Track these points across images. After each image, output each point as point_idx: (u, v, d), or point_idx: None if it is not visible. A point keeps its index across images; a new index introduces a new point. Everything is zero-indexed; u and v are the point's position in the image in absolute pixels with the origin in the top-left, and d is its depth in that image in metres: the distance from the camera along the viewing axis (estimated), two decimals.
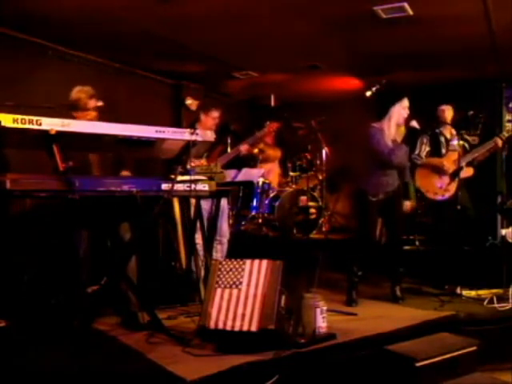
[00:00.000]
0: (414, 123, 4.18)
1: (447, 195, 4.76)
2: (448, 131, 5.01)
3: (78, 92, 3.84)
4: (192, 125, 4.64)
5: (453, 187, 4.73)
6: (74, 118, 3.67)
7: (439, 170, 4.85)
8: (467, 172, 4.84)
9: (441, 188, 4.82)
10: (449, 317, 3.82)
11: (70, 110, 3.69)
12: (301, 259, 4.92)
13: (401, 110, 4.17)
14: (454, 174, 4.77)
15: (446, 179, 4.77)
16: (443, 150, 4.91)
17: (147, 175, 3.29)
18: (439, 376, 3.03)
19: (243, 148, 4.88)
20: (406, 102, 4.19)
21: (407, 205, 4.39)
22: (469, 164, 4.86)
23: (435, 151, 4.97)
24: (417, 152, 4.99)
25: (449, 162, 4.79)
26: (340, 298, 4.29)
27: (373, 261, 4.48)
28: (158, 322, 3.38)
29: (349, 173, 7.92)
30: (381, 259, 4.51)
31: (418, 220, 6.13)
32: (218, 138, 5.00)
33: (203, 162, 4.52)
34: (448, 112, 5.06)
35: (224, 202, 4.55)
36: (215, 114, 4.73)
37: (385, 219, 4.44)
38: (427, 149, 4.99)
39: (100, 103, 3.81)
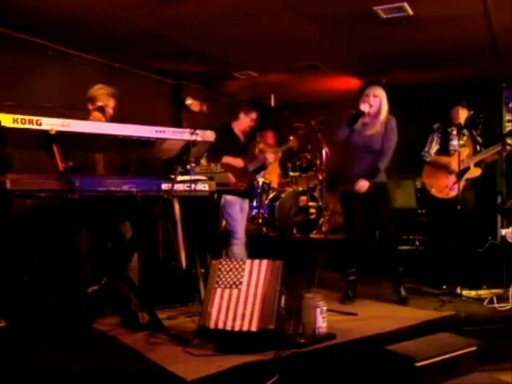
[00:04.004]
0: (362, 106, 4.19)
1: (452, 194, 4.75)
2: (460, 133, 5.01)
3: (99, 89, 3.86)
4: (226, 126, 4.88)
5: (459, 187, 4.72)
6: (88, 114, 3.67)
7: (446, 169, 4.85)
8: (474, 172, 4.83)
9: (446, 187, 4.83)
10: (449, 317, 3.83)
11: (85, 106, 3.69)
12: (301, 259, 4.93)
13: (363, 97, 4.24)
14: (461, 174, 4.77)
15: (453, 178, 4.76)
16: (451, 151, 4.91)
17: (147, 175, 3.29)
18: (439, 376, 3.03)
19: (270, 158, 5.16)
20: (366, 91, 4.25)
21: (362, 185, 4.16)
22: (477, 165, 4.85)
23: (445, 150, 4.97)
24: (426, 149, 5.02)
25: (456, 162, 4.77)
26: (340, 297, 4.29)
27: (366, 260, 4.50)
28: (158, 322, 3.38)
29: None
30: (377, 259, 4.51)
31: (419, 220, 6.15)
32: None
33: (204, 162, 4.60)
34: (462, 113, 5.03)
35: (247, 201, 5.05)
36: (254, 115, 4.91)
37: (373, 218, 4.40)
38: (437, 147, 5.00)
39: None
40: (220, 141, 4.67)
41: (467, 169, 4.80)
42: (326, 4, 4.54)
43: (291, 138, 5.41)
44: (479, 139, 4.99)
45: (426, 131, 5.13)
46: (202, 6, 4.54)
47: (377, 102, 4.21)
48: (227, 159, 4.68)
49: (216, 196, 4.69)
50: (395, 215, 4.46)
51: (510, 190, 5.97)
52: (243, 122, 4.90)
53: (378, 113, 4.23)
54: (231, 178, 4.63)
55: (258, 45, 5.71)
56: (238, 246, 4.78)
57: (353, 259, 4.39)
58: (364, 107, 4.19)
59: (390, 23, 4.91)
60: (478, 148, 4.95)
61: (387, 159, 4.24)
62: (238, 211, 4.82)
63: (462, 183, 4.76)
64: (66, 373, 2.63)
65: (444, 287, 4.72)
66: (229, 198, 4.77)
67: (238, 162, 4.79)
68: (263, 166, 5.28)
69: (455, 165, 4.78)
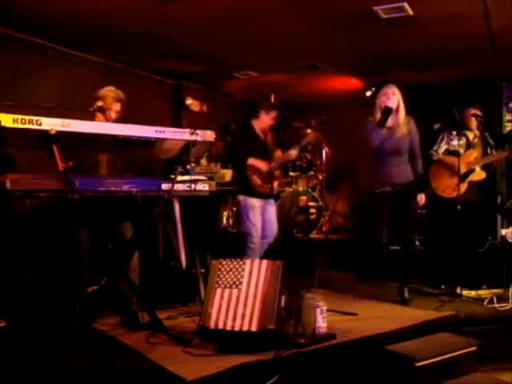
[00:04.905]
0: (389, 103, 4.20)
1: (453, 194, 4.76)
2: (472, 133, 5.02)
3: (108, 91, 3.86)
4: (247, 125, 4.75)
5: (461, 188, 4.72)
6: (92, 114, 3.68)
7: (451, 169, 4.85)
8: (479, 175, 4.85)
9: (449, 187, 4.84)
10: (449, 317, 3.83)
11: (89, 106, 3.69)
12: (301, 259, 4.93)
13: (381, 96, 4.28)
14: (464, 176, 4.78)
15: (456, 179, 4.76)
16: (461, 150, 4.91)
17: (147, 175, 3.29)
18: (439, 376, 3.03)
19: (293, 154, 4.91)
20: (384, 89, 4.28)
21: (421, 198, 4.38)
22: (485, 168, 4.86)
23: (454, 150, 4.98)
24: (435, 148, 5.04)
25: (462, 163, 4.76)
26: (340, 297, 4.30)
27: (375, 260, 4.50)
28: (158, 322, 3.38)
29: (349, 172, 7.96)
30: (387, 260, 4.51)
31: (419, 220, 6.14)
32: (219, 137, 5.06)
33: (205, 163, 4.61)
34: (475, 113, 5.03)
35: (272, 201, 4.85)
36: (274, 114, 4.78)
37: (396, 217, 4.42)
38: (446, 146, 5.01)
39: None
40: (242, 141, 4.71)
41: (472, 171, 4.81)
42: (326, 4, 4.54)
43: (309, 131, 5.27)
44: (491, 141, 5.00)
45: (426, 131, 5.13)
46: (202, 6, 4.54)
47: (395, 99, 4.24)
48: (253, 161, 4.60)
49: (238, 197, 4.68)
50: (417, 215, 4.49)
51: (509, 190, 5.98)
52: (264, 121, 4.74)
53: (397, 111, 4.25)
54: (256, 180, 4.61)
55: (258, 45, 5.70)
56: (254, 251, 4.59)
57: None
58: (391, 103, 4.20)
59: (390, 23, 4.91)
60: (489, 151, 4.96)
61: (421, 160, 4.40)
62: (258, 215, 4.61)
63: (466, 184, 4.77)
64: (66, 373, 2.63)
65: (442, 287, 4.73)
66: (250, 200, 4.60)
67: (262, 165, 4.66)
68: (286, 163, 5.16)
69: (460, 166, 4.79)
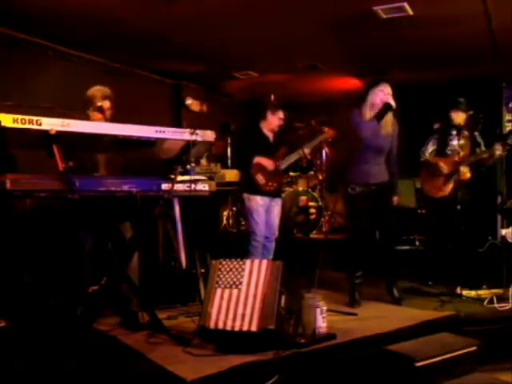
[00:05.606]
0: (390, 100, 4.13)
1: (441, 194, 4.82)
2: (460, 134, 5.02)
3: (95, 91, 3.87)
4: (254, 127, 4.78)
5: (448, 187, 4.77)
6: (87, 115, 3.67)
7: (436, 170, 4.90)
8: (463, 175, 4.84)
9: (435, 187, 4.91)
10: (449, 317, 3.82)
11: (84, 107, 3.69)
12: (301, 259, 4.93)
13: (377, 92, 4.19)
14: (449, 175, 4.80)
15: (442, 179, 4.80)
16: (448, 151, 4.93)
17: (147, 175, 3.29)
18: (439, 376, 3.03)
19: (306, 152, 4.90)
20: (381, 86, 4.19)
21: (394, 199, 4.32)
22: (471, 167, 4.86)
23: (442, 151, 5.00)
24: (423, 149, 5.07)
25: (447, 163, 4.80)
26: (341, 297, 4.28)
27: (370, 260, 4.48)
28: (158, 322, 3.38)
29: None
30: (377, 259, 4.51)
31: (419, 220, 6.15)
32: (219, 137, 5.06)
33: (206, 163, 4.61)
34: (457, 115, 5.02)
35: (278, 201, 4.86)
36: (281, 114, 4.82)
37: (376, 218, 4.40)
38: (433, 147, 5.03)
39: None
40: (248, 142, 4.75)
41: (456, 171, 4.81)
42: (326, 4, 4.55)
43: (326, 129, 5.24)
44: (480, 141, 5.00)
45: (426, 131, 5.14)
46: (202, 6, 4.55)
47: (391, 98, 4.19)
48: (259, 159, 4.64)
49: (243, 195, 4.70)
50: (397, 214, 4.46)
51: (509, 189, 5.98)
52: (271, 122, 4.78)
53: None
54: (261, 178, 4.62)
55: (258, 45, 5.71)
56: (257, 249, 4.64)
57: (359, 261, 4.31)
58: (393, 103, 4.13)
59: (390, 23, 4.91)
60: (478, 150, 4.96)
61: (397, 163, 4.36)
62: (262, 213, 4.65)
63: (451, 184, 4.79)
64: (66, 373, 2.63)
65: (430, 283, 4.77)
66: (254, 197, 4.63)
67: (269, 163, 4.69)
68: (298, 161, 5.15)
69: (444, 166, 4.85)
